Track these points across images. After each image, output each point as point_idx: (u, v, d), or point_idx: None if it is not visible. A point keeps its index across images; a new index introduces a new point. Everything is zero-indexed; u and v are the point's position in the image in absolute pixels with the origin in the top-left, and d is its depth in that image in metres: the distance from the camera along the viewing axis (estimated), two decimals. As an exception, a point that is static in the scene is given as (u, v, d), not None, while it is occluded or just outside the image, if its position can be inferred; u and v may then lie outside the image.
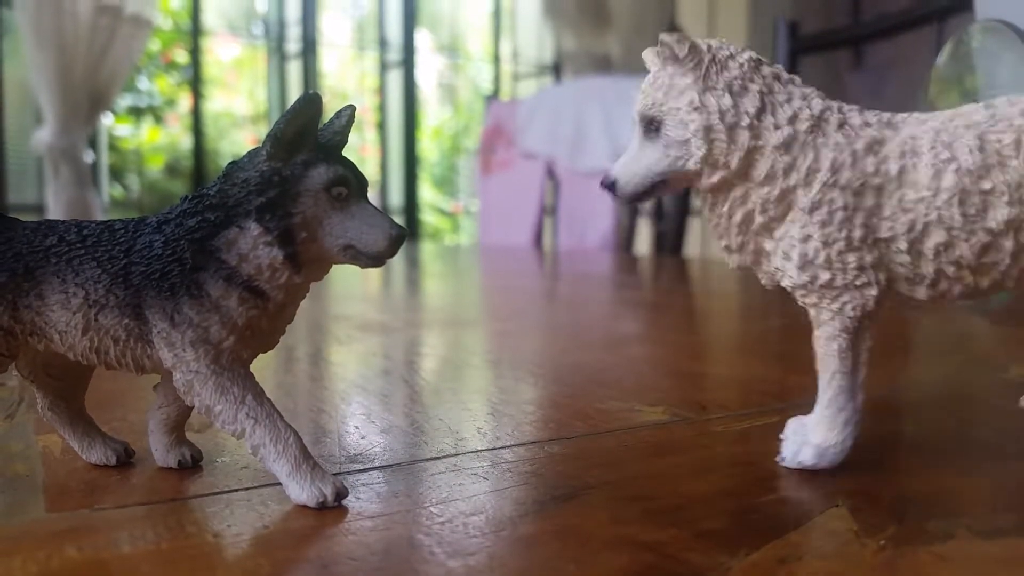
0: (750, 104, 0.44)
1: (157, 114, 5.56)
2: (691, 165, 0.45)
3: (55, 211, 3.65)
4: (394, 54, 5.26)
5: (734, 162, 0.44)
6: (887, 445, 0.53)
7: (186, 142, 5.06)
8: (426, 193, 5.78)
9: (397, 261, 2.38)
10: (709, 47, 0.45)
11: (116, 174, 5.34)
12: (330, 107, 0.44)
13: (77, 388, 0.48)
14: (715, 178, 0.45)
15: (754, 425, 0.57)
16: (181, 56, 5.35)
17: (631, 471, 0.47)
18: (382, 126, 5.26)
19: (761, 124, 0.44)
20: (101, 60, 3.91)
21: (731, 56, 0.45)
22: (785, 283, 0.46)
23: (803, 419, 0.50)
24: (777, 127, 0.44)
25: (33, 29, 3.73)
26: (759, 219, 0.45)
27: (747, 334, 1.04)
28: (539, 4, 4.83)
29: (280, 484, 0.42)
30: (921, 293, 0.46)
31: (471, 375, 0.80)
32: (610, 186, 0.47)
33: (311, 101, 0.41)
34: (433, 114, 6.04)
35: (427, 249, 3.55)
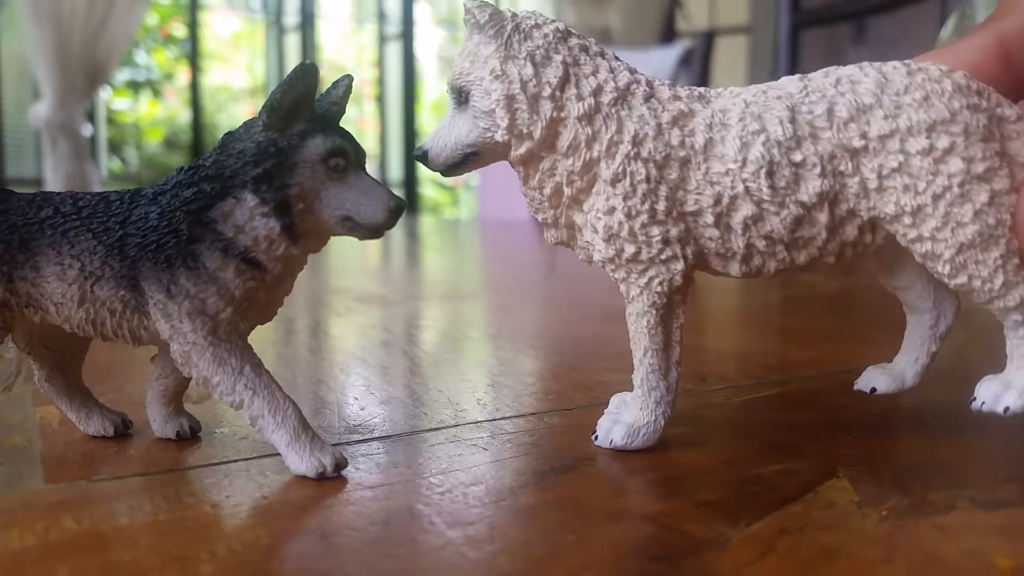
0: (552, 74, 0.43)
1: (155, 88, 5.54)
2: (498, 136, 0.44)
3: (53, 184, 3.64)
4: (393, 27, 5.23)
5: (537, 132, 0.43)
6: (889, 417, 0.52)
7: (184, 116, 5.05)
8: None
9: (397, 234, 2.38)
10: (513, 16, 0.44)
11: (114, 148, 5.33)
12: (329, 80, 0.44)
13: (74, 360, 0.48)
14: (522, 149, 0.44)
15: (754, 397, 0.57)
16: (179, 30, 5.33)
17: (631, 442, 0.47)
18: (381, 99, 5.24)
19: (564, 95, 0.43)
20: (99, 34, 3.89)
21: (536, 26, 0.44)
22: (596, 257, 0.45)
23: (625, 396, 0.49)
24: (580, 98, 0.43)
25: (31, 2, 3.70)
26: (567, 191, 0.44)
27: (746, 307, 1.04)
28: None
29: (279, 455, 0.41)
30: (734, 269, 0.45)
31: (471, 347, 0.80)
32: (421, 157, 0.46)
33: (307, 71, 0.40)
34: (432, 87, 6.01)
35: (427, 223, 3.54)
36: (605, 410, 0.49)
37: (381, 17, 5.30)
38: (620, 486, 0.40)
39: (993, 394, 0.43)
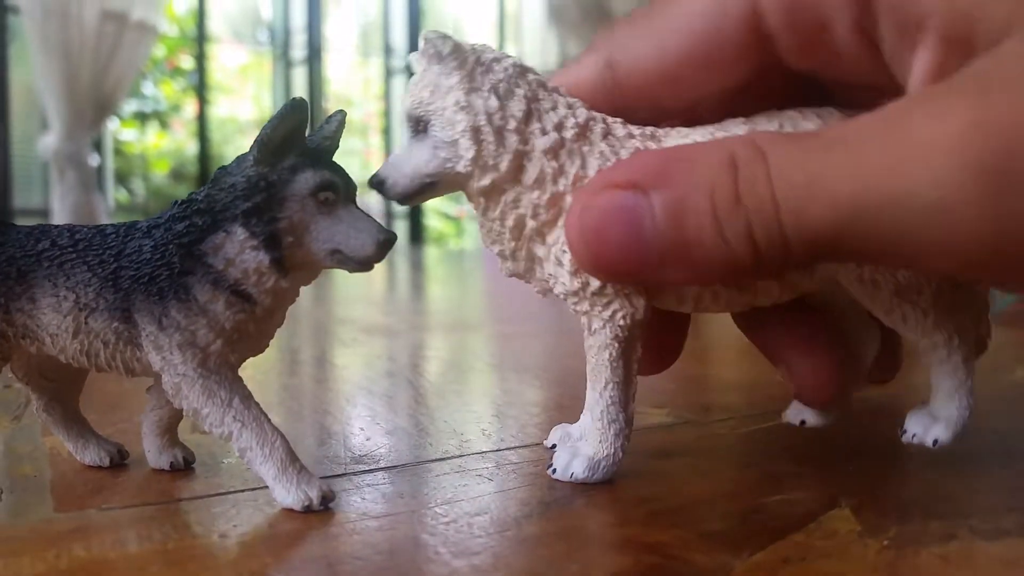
0: (516, 108, 0.43)
1: (162, 119, 5.58)
2: (460, 167, 0.43)
3: (61, 215, 3.66)
4: (399, 60, 5.27)
5: (503, 164, 0.43)
6: (891, 446, 0.53)
7: (191, 147, 5.08)
8: (431, 198, 5.79)
9: (401, 265, 2.39)
10: (473, 48, 0.44)
11: (121, 179, 5.36)
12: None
13: (71, 390, 0.49)
14: (485, 181, 0.43)
15: (758, 427, 0.57)
16: (186, 62, 5.37)
17: (635, 472, 0.47)
18: (387, 132, 5.26)
19: (528, 128, 0.43)
20: (107, 66, 3.93)
21: (496, 60, 0.44)
22: (558, 290, 0.45)
23: (568, 427, 0.49)
24: (544, 132, 0.43)
25: (40, 35, 3.75)
26: (531, 223, 0.44)
27: (751, 338, 1.04)
28: (543, 9, 4.84)
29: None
30: (688, 305, 0.45)
31: (475, 378, 0.80)
32: (377, 185, 0.46)
33: (297, 107, 0.41)
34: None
35: (431, 253, 3.55)
36: (546, 441, 0.49)
37: (387, 51, 5.35)
38: (624, 516, 0.41)
39: (923, 426, 0.45)
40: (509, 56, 0.45)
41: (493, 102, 0.43)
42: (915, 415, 0.46)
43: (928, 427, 0.45)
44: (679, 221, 0.35)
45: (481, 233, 0.47)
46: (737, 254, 0.34)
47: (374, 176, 0.46)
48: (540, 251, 0.45)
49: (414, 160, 0.45)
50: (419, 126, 0.44)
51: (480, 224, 0.47)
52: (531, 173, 0.43)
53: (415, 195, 0.45)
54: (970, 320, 0.46)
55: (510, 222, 0.45)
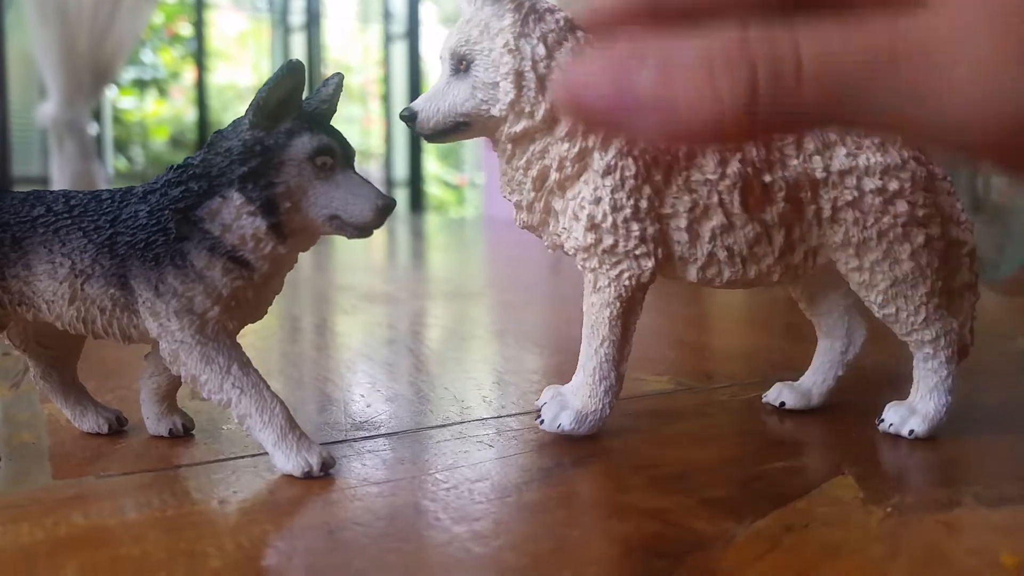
0: (563, 59, 0.44)
1: (161, 87, 5.55)
2: (496, 111, 0.44)
3: (60, 183, 3.65)
4: (398, 26, 5.23)
5: (539, 113, 0.44)
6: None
7: (190, 114, 5.05)
8: (431, 165, 5.77)
9: (401, 233, 2.38)
10: None
11: (121, 146, 5.34)
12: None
13: (69, 357, 0.48)
14: (518, 127, 0.44)
15: (759, 394, 0.57)
16: (185, 29, 5.33)
17: (636, 439, 0.47)
18: (386, 98, 5.23)
19: None
20: (105, 33, 3.90)
21: (549, 10, 0.45)
22: (569, 245, 0.46)
23: (559, 387, 0.50)
24: None
25: (37, 3, 3.71)
26: (554, 175, 0.45)
27: (752, 306, 1.04)
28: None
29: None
30: (692, 274, 0.46)
31: (476, 345, 0.80)
32: (409, 118, 0.46)
33: (294, 69, 0.40)
34: (438, 86, 5.99)
35: (432, 221, 3.55)
36: (537, 401, 0.50)
37: (386, 16, 5.31)
38: (624, 483, 0.40)
39: (900, 417, 0.48)
40: (562, 10, 0.45)
41: (541, 50, 0.44)
42: (893, 406, 0.48)
43: (905, 418, 0.47)
44: (670, 66, 0.35)
45: (501, 182, 0.47)
46: (733, 91, 0.33)
47: (407, 109, 0.46)
48: (558, 204, 0.46)
49: (451, 97, 0.45)
50: (461, 64, 0.45)
51: (502, 172, 0.47)
52: (564, 126, 0.44)
53: (446, 133, 0.46)
54: (958, 324, 0.48)
55: (534, 172, 0.45)
